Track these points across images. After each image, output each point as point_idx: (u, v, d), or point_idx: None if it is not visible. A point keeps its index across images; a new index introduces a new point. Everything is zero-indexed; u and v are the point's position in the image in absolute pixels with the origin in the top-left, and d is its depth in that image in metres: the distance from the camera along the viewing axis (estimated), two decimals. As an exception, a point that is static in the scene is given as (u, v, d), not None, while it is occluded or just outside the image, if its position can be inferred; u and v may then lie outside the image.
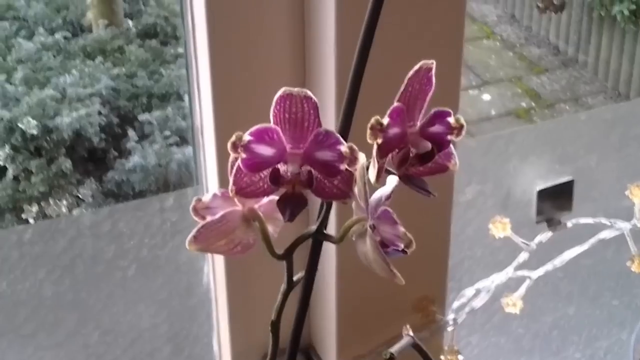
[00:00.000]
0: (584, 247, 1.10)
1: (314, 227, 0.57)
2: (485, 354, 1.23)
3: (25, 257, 0.91)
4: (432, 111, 0.50)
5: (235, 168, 0.52)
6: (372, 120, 0.48)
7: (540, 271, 1.10)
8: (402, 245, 0.53)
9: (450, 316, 1.02)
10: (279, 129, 0.51)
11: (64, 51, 3.02)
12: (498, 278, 1.07)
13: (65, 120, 2.73)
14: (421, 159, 0.50)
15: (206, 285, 0.99)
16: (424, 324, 1.00)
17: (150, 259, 0.95)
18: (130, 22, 3.18)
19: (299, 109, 0.51)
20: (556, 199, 1.10)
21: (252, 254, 1.00)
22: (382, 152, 0.49)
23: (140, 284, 0.96)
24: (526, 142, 1.08)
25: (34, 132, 2.74)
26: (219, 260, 0.94)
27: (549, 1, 4.07)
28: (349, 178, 0.52)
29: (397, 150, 0.50)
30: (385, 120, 0.48)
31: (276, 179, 0.52)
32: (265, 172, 0.52)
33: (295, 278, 0.59)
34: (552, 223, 1.10)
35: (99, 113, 2.82)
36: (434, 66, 0.49)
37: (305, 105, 0.50)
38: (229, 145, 0.51)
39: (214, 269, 0.97)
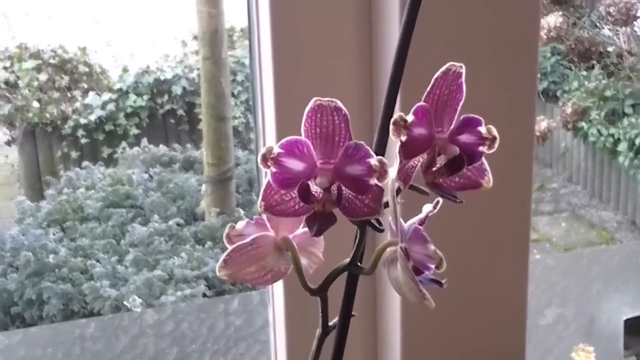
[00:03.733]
0: (681, 391, 1.03)
1: (347, 260, 0.55)
2: None
3: (86, 354, 0.90)
4: (462, 117, 0.49)
5: (265, 183, 0.52)
6: (396, 116, 0.47)
7: (631, 414, 1.02)
8: (433, 266, 0.51)
9: None
10: (309, 142, 0.51)
11: (176, 237, 3.11)
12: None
13: (170, 299, 2.77)
14: (450, 168, 0.49)
15: (270, 402, 0.95)
16: None
17: (213, 367, 0.93)
18: (242, 211, 3.28)
19: (329, 122, 0.51)
20: (646, 332, 1.03)
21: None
22: (407, 151, 0.48)
23: (202, 394, 0.94)
24: (609, 264, 1.03)
25: (138, 310, 2.78)
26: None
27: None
28: (379, 195, 0.51)
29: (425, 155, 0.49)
30: (410, 118, 0.47)
31: (306, 195, 0.51)
32: (296, 193, 0.52)
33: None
34: (642, 359, 1.03)
35: (204, 295, 2.85)
36: (463, 71, 0.49)
37: (336, 118, 0.50)
38: (259, 158, 0.51)
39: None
